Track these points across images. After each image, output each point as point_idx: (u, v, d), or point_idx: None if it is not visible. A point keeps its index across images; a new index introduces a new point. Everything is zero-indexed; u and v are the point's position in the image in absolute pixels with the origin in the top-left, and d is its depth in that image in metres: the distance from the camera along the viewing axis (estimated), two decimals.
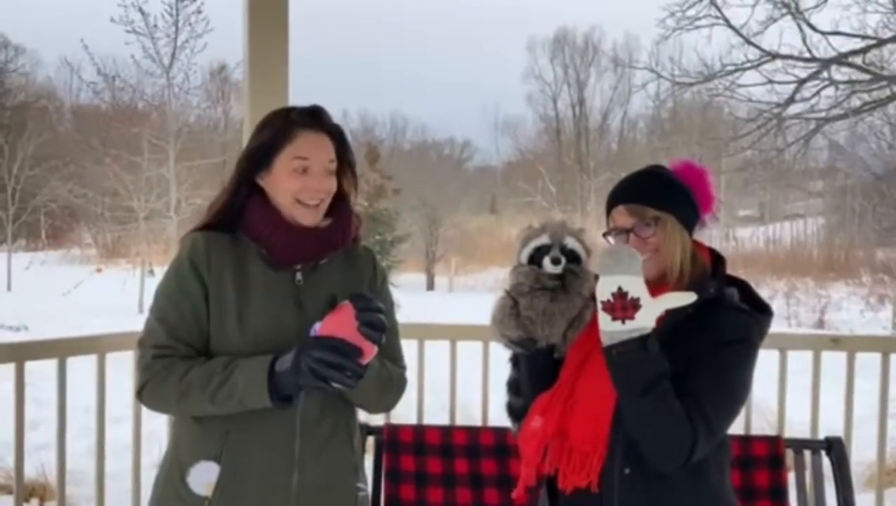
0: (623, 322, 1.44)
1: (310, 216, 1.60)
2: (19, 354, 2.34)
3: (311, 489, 1.57)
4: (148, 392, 1.55)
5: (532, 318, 1.56)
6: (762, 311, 1.61)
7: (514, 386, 1.73)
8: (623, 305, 1.44)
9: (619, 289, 1.44)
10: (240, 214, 1.61)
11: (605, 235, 1.67)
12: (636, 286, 1.44)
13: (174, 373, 1.52)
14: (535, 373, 1.64)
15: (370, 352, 1.47)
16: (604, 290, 1.46)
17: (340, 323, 1.46)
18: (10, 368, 2.32)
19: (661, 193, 1.62)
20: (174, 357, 1.53)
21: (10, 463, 3.72)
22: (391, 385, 1.66)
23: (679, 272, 1.58)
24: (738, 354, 1.54)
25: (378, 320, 1.46)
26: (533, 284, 1.56)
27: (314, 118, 1.62)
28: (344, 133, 1.67)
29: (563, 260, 1.56)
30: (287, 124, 1.60)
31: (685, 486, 1.54)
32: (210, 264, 1.57)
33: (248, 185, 1.62)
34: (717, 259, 1.66)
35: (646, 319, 1.44)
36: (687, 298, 1.48)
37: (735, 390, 1.54)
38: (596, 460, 1.55)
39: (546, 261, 1.57)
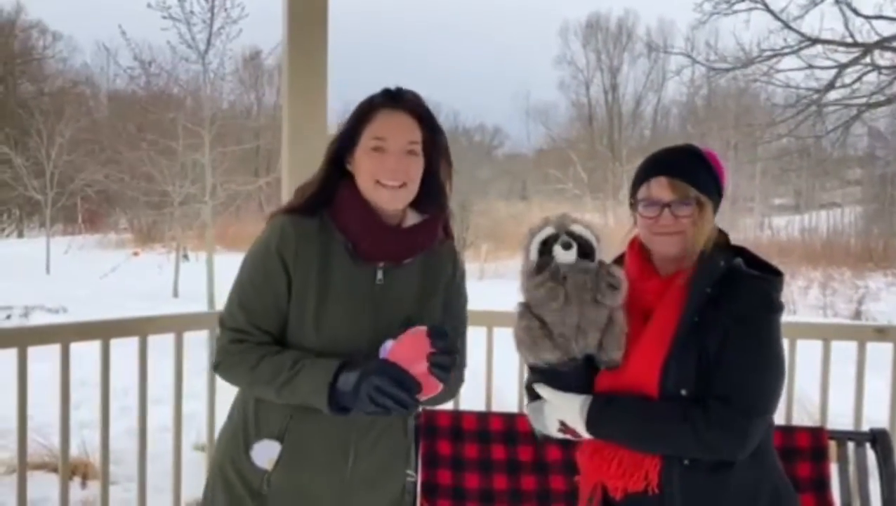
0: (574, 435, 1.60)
1: (391, 199, 1.57)
2: (65, 335, 2.39)
3: (364, 476, 1.61)
4: (222, 371, 1.63)
5: (566, 334, 1.50)
6: (773, 273, 1.59)
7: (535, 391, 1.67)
8: (571, 432, 1.59)
9: (562, 423, 1.59)
10: (329, 197, 1.60)
11: (632, 204, 1.63)
12: (562, 414, 1.59)
13: (247, 361, 1.57)
14: (567, 384, 1.58)
15: (432, 389, 1.48)
16: (552, 428, 1.61)
17: (410, 352, 1.47)
18: (53, 348, 2.36)
19: (706, 177, 1.59)
20: (250, 343, 1.58)
21: (53, 441, 3.81)
22: (454, 389, 1.69)
23: (698, 256, 1.57)
24: (766, 322, 1.53)
25: (449, 362, 1.47)
26: (552, 297, 1.48)
27: (393, 98, 1.60)
28: (430, 114, 1.63)
29: (574, 244, 1.50)
30: (368, 105, 1.60)
31: (745, 466, 1.52)
32: (297, 255, 1.57)
33: (339, 170, 1.61)
34: (720, 233, 1.64)
35: (574, 420, 1.56)
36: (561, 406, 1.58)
37: (776, 360, 1.53)
38: (649, 461, 1.53)
39: (557, 249, 1.50)
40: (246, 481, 1.61)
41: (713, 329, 1.50)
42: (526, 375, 1.70)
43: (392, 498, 1.68)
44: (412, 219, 1.63)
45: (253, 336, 1.59)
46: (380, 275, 1.59)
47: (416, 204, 1.62)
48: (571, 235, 1.51)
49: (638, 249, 1.65)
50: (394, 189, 1.56)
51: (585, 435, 1.56)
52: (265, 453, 1.60)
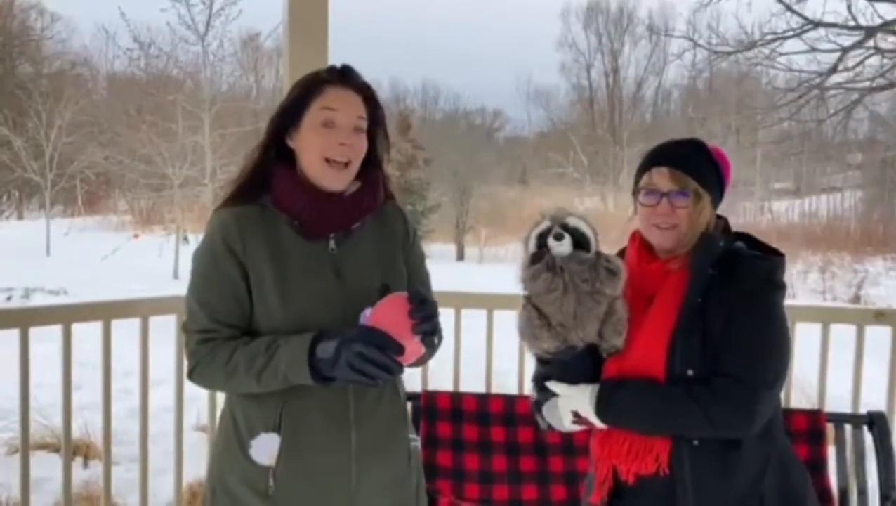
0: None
1: (339, 178, 1.57)
2: (67, 316, 2.39)
3: (369, 446, 1.59)
4: (197, 376, 1.58)
5: (564, 323, 1.51)
6: (775, 254, 1.61)
7: (541, 381, 1.67)
8: (584, 421, 1.60)
9: (575, 414, 1.59)
10: (267, 180, 1.59)
11: (634, 192, 1.65)
12: (574, 404, 1.59)
13: (219, 357, 1.53)
14: (575, 376, 1.58)
15: (415, 352, 1.48)
16: (566, 421, 1.61)
17: (390, 315, 1.46)
18: (54, 329, 2.37)
19: (707, 170, 1.61)
20: (218, 340, 1.55)
21: (55, 422, 3.83)
22: (434, 351, 1.66)
23: (690, 247, 1.59)
24: (769, 299, 1.54)
25: (433, 327, 1.47)
26: (550, 287, 1.50)
27: (342, 75, 1.61)
28: (374, 92, 1.64)
29: (567, 236, 1.51)
30: (316, 81, 1.60)
31: (754, 444, 1.54)
32: (245, 243, 1.54)
33: (278, 145, 1.60)
34: (720, 219, 1.66)
35: (586, 409, 1.57)
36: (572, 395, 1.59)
37: (781, 336, 1.54)
38: (659, 443, 1.54)
39: (550, 241, 1.51)
40: (251, 484, 1.56)
41: (717, 309, 1.51)
42: (528, 358, 1.70)
43: (400, 465, 1.66)
44: (351, 187, 1.62)
45: (219, 333, 1.55)
46: (332, 244, 1.59)
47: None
48: (566, 227, 1.53)
49: (639, 239, 1.67)
50: (340, 168, 1.56)
51: (598, 424, 1.57)
52: (265, 449, 1.55)
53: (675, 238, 1.59)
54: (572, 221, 1.53)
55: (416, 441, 1.73)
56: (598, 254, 1.53)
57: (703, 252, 1.56)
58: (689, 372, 1.51)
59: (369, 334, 1.44)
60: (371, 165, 1.64)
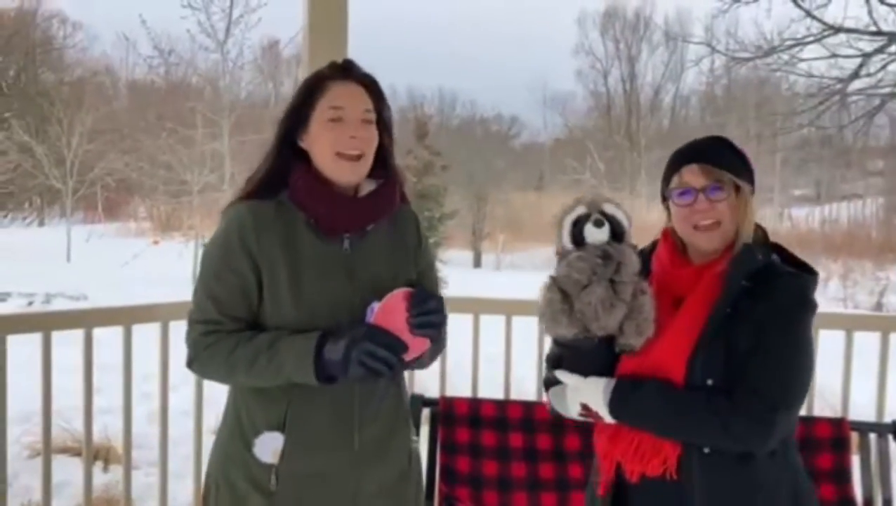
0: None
1: (353, 170, 1.56)
2: (87, 321, 2.41)
3: (372, 447, 1.60)
4: (198, 366, 1.60)
5: (585, 312, 1.46)
6: (808, 271, 1.57)
7: (555, 361, 1.64)
8: (593, 415, 1.58)
9: (584, 406, 1.58)
10: (283, 179, 1.59)
11: (663, 198, 1.61)
12: (584, 397, 1.58)
13: (222, 350, 1.54)
14: (587, 367, 1.56)
15: (418, 347, 1.50)
16: (573, 410, 1.61)
17: (392, 314, 1.49)
18: (75, 334, 2.39)
19: (740, 163, 1.58)
20: (221, 333, 1.55)
21: (76, 426, 3.86)
22: (439, 348, 1.67)
23: (735, 248, 1.54)
24: (799, 319, 1.51)
25: (431, 321, 1.50)
26: (590, 277, 1.46)
27: (344, 70, 1.61)
28: (377, 83, 1.64)
29: (607, 223, 1.48)
30: (319, 79, 1.60)
31: (768, 462, 1.51)
32: (259, 239, 1.54)
33: (289, 148, 1.60)
34: (758, 227, 1.62)
35: (597, 403, 1.55)
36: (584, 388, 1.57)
37: (807, 357, 1.52)
38: (669, 447, 1.52)
39: (589, 227, 1.48)
40: (252, 478, 1.57)
41: (745, 322, 1.48)
42: (546, 355, 1.68)
43: (401, 466, 1.67)
44: (367, 186, 1.61)
45: (224, 325, 1.55)
46: (346, 244, 1.59)
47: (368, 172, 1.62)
48: (603, 214, 1.49)
49: (671, 239, 1.64)
50: (353, 161, 1.55)
51: (608, 419, 1.55)
52: (269, 447, 1.56)
53: (720, 237, 1.54)
54: (609, 209, 1.50)
55: (416, 442, 1.74)
56: (620, 264, 1.48)
57: (741, 264, 1.52)
58: (709, 381, 1.48)
59: (376, 333, 1.47)
60: (384, 162, 1.63)
